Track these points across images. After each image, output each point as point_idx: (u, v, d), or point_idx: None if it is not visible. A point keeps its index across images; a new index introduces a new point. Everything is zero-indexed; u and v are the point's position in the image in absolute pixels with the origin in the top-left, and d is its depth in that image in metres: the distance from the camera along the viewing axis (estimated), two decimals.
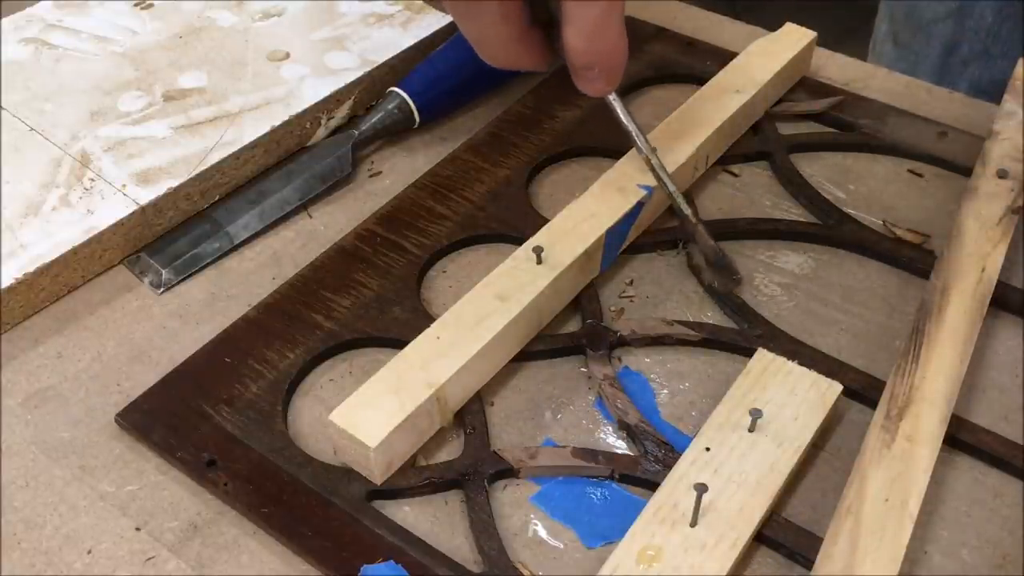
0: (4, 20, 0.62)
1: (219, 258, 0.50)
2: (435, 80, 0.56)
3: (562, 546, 0.39)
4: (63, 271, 0.48)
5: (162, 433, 0.41)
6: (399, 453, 0.40)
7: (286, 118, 0.55)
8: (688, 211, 0.47)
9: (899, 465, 0.38)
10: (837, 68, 0.61)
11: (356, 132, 0.55)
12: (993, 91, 0.56)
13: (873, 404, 0.41)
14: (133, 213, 0.49)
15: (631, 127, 0.47)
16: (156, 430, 0.42)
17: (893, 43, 0.81)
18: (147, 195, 0.50)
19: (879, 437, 0.39)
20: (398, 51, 0.59)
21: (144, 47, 0.60)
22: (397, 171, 0.55)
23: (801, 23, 0.59)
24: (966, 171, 0.52)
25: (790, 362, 0.42)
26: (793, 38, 0.58)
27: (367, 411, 0.39)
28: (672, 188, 0.47)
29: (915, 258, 0.49)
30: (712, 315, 0.47)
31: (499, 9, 0.42)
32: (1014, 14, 0.74)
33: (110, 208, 0.49)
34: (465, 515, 0.39)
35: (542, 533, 0.39)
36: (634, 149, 0.48)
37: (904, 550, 0.35)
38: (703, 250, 0.48)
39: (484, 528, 0.38)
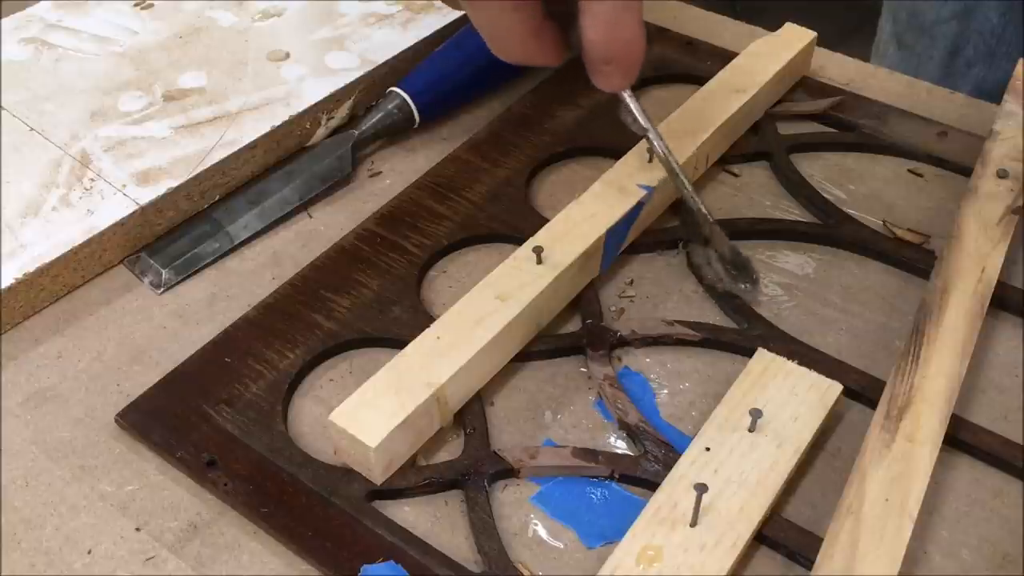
0: (4, 20, 0.62)
1: (219, 258, 0.50)
2: (435, 80, 0.56)
3: (562, 546, 0.39)
4: (63, 271, 0.48)
5: (162, 433, 0.41)
6: (399, 453, 0.40)
7: (286, 118, 0.55)
8: (705, 211, 0.47)
9: (899, 465, 0.38)
10: (837, 68, 0.61)
11: (356, 132, 0.55)
12: (997, 93, 0.56)
13: (873, 404, 0.41)
14: (133, 213, 0.49)
15: (647, 124, 0.46)
16: (156, 430, 0.42)
17: (897, 45, 0.81)
18: (147, 195, 0.50)
19: (879, 437, 0.39)
20: (398, 51, 0.59)
21: (144, 47, 0.60)
22: (397, 171, 0.55)
23: (801, 23, 0.59)
24: (966, 171, 0.52)
25: (790, 362, 0.42)
26: (793, 38, 0.58)
27: (367, 411, 0.39)
28: (690, 188, 0.46)
29: (915, 258, 0.49)
30: (712, 315, 0.47)
31: (514, 2, 0.42)
32: (1019, 16, 0.74)
33: (110, 208, 0.49)
34: (465, 515, 0.39)
35: (542, 533, 0.39)
36: (644, 149, 0.48)
37: (904, 550, 0.35)
38: (719, 250, 0.47)
39: (484, 528, 0.38)
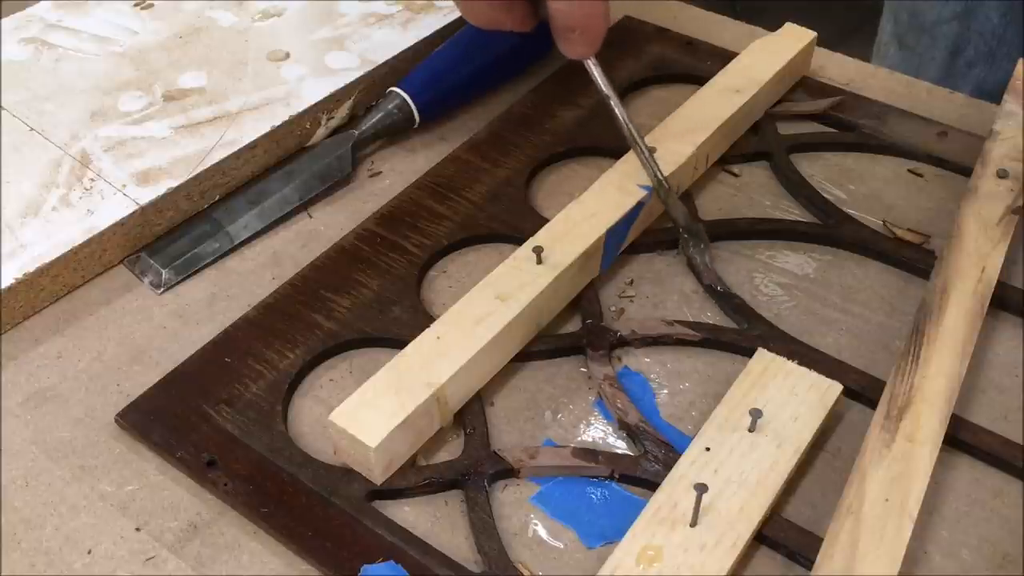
0: (4, 20, 0.62)
1: (219, 258, 0.50)
2: (435, 80, 0.56)
3: (562, 546, 0.39)
4: (63, 271, 0.48)
5: (162, 433, 0.41)
6: (399, 453, 0.40)
7: (286, 118, 0.55)
8: (661, 178, 0.48)
9: (899, 465, 0.38)
10: (837, 68, 0.61)
11: (356, 132, 0.55)
12: (998, 94, 0.56)
13: (873, 404, 0.41)
14: (133, 213, 0.49)
15: (608, 92, 0.47)
16: (156, 430, 0.42)
17: (898, 46, 0.81)
18: (147, 195, 0.50)
19: (879, 437, 0.39)
20: (398, 51, 0.59)
21: (144, 47, 0.60)
22: (397, 171, 0.55)
23: (801, 23, 0.59)
24: (966, 171, 0.52)
25: (790, 362, 0.42)
26: (793, 38, 0.58)
27: (367, 411, 0.39)
28: (648, 155, 0.48)
29: (915, 258, 0.49)
30: (712, 315, 0.47)
31: None
32: (1020, 16, 0.74)
33: (110, 208, 0.49)
34: (465, 515, 0.39)
35: (542, 533, 0.39)
36: (627, 140, 0.48)
37: (904, 550, 0.35)
38: (673, 214, 0.49)
39: (484, 528, 0.38)
